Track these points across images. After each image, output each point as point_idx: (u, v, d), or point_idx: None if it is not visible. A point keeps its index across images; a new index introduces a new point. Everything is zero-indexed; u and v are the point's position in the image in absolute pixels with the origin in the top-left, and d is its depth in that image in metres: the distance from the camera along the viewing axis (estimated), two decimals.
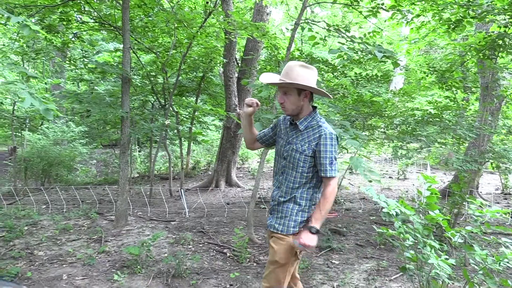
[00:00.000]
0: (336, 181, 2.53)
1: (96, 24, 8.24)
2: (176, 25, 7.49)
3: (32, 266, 4.73)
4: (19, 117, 11.11)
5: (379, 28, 6.85)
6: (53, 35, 7.93)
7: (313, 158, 2.54)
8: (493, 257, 2.53)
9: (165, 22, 7.65)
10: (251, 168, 15.10)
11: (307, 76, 2.50)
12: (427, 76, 6.77)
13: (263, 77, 2.68)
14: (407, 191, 10.29)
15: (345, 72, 6.51)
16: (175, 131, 10.42)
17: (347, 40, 4.89)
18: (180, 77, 10.43)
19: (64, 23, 7.77)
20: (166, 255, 5.13)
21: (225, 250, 5.45)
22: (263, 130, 2.96)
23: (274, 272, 2.64)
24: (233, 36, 8.47)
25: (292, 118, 2.68)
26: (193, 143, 13.77)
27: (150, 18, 8.03)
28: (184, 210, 7.66)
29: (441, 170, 15.64)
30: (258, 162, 14.97)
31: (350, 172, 14.37)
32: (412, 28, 7.63)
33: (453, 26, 5.54)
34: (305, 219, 2.59)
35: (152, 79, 9.67)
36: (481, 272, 2.42)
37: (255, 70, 9.34)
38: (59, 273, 4.54)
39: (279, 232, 2.62)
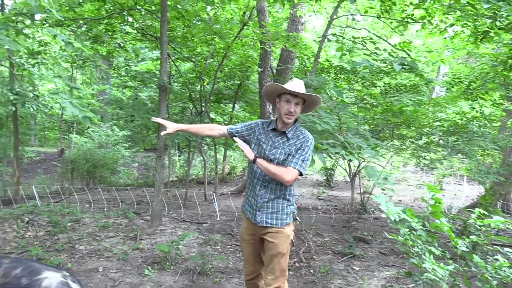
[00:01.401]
0: (294, 177, 2.80)
1: (139, 34, 8.76)
2: (212, 36, 7.85)
3: (72, 259, 5.16)
4: (67, 121, 11.88)
5: (408, 40, 6.90)
6: (99, 44, 8.52)
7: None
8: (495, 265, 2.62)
9: (202, 32, 8.02)
10: None
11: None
12: (452, 87, 6.74)
13: (294, 87, 2.88)
14: None
15: (374, 82, 6.61)
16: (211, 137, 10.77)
17: (371, 52, 5.03)
18: (218, 85, 10.83)
19: (109, 33, 8.33)
20: (194, 254, 5.43)
21: None
22: (236, 126, 3.16)
23: (279, 263, 2.91)
24: (267, 46, 8.74)
25: (275, 125, 3.01)
26: (230, 149, 14.13)
27: (189, 28, 8.43)
28: (216, 213, 7.97)
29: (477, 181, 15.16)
30: None
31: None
32: (445, 38, 7.61)
33: (480, 37, 5.54)
34: (292, 210, 3.02)
35: (190, 86, 10.10)
36: (479, 277, 2.52)
37: (288, 79, 9.57)
38: (96, 265, 4.94)
39: (276, 226, 2.93)
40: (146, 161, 16.31)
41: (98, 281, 4.48)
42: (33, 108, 9.22)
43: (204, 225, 7.26)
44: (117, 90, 17.65)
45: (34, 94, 8.80)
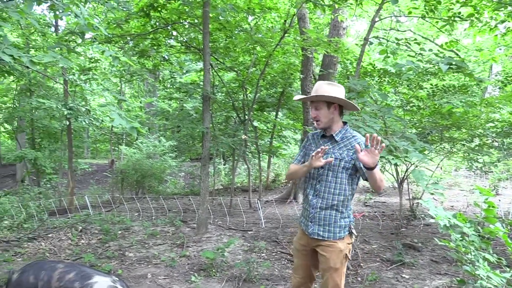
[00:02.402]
0: None
1: (183, 47, 9.01)
2: (253, 45, 7.94)
3: (122, 265, 5.33)
4: (116, 134, 12.36)
5: (455, 39, 6.63)
6: (145, 59, 8.84)
7: (351, 164, 2.75)
8: None
9: (244, 42, 8.14)
10: None
11: (334, 92, 2.77)
12: (505, 86, 6.38)
13: (296, 97, 3.02)
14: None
15: (420, 84, 6.41)
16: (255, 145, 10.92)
17: (416, 54, 4.88)
18: (260, 93, 10.91)
19: (155, 47, 8.63)
20: (239, 261, 5.45)
21: None
22: (298, 159, 3.08)
23: (331, 278, 2.79)
24: (309, 52, 8.72)
25: (324, 132, 2.90)
26: (274, 156, 14.15)
27: (231, 39, 8.58)
28: (260, 220, 7.97)
29: None
30: None
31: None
32: (496, 35, 7.26)
33: None
34: (348, 224, 2.82)
35: (233, 96, 10.23)
36: None
37: None
38: (145, 272, 5.07)
39: (328, 239, 2.80)
40: (192, 170, 16.62)
41: (146, 287, 4.60)
42: (85, 122, 9.67)
43: (249, 232, 7.28)
44: (163, 102, 18.22)
45: (86, 109, 9.25)
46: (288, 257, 5.73)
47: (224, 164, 17.66)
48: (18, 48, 3.20)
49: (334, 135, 2.84)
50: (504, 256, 4.92)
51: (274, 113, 12.76)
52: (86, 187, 15.05)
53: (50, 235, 6.91)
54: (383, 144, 2.44)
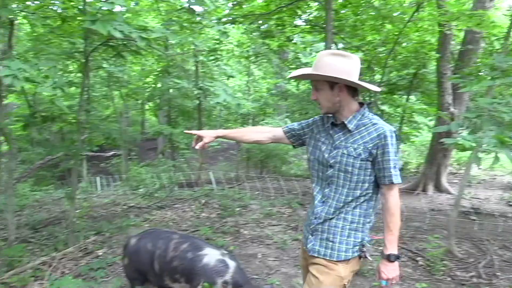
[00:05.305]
0: (398, 195, 2.11)
1: (307, 27, 8.81)
2: (382, 22, 7.38)
3: (236, 242, 5.47)
4: (243, 114, 12.78)
5: None
6: (270, 39, 8.87)
7: (370, 163, 2.08)
8: None
9: (372, 19, 7.61)
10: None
11: (340, 65, 2.02)
12: None
13: (293, 73, 2.25)
14: None
15: None
16: None
17: None
18: (389, 75, 10.17)
19: (279, 27, 8.58)
20: None
21: (417, 258, 5.12)
22: (292, 124, 2.46)
23: None
24: (447, 28, 7.76)
25: (334, 118, 2.19)
26: (404, 143, 13.24)
27: (358, 16, 8.10)
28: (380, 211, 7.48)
29: None
30: (479, 168, 13.27)
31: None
32: None
33: None
34: (360, 240, 2.13)
35: (359, 77, 9.71)
36: None
37: (471, 63, 8.33)
38: (256, 251, 5.12)
39: (324, 258, 2.12)
40: None
41: (255, 267, 4.62)
42: (213, 101, 10.16)
43: None
44: (290, 83, 18.31)
45: (214, 89, 9.70)
46: (409, 254, 5.24)
47: None
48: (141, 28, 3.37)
49: (346, 122, 2.12)
50: None
51: (405, 96, 11.82)
52: (215, 163, 15.97)
53: (176, 206, 7.47)
54: None
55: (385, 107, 11.58)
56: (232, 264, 3.02)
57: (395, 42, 8.08)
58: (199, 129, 11.46)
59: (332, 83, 2.05)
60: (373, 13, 7.63)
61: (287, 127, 2.44)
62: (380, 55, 9.15)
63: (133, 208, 7.56)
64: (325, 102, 2.12)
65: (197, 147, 2.37)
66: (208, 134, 2.36)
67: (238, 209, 7.22)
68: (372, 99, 8.86)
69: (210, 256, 3.07)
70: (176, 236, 3.39)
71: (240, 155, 13.20)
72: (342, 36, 8.71)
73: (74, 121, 5.45)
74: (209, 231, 5.64)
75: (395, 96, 11.82)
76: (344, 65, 2.02)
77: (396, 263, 2.12)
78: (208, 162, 13.73)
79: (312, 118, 2.40)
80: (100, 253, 5.17)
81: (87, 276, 4.47)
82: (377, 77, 9.81)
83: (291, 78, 2.33)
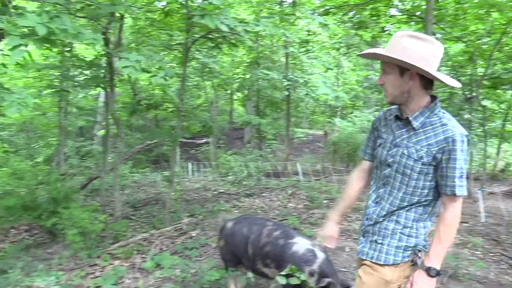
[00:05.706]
0: (460, 209, 1.85)
1: (404, 16, 8.43)
2: (489, 10, 6.83)
3: None
4: (331, 106, 12.65)
5: None
6: (364, 30, 8.63)
7: (432, 168, 1.84)
8: None
9: (477, 7, 7.07)
10: None
11: (417, 50, 1.74)
12: None
13: (364, 51, 1.96)
14: None
15: None
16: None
17: None
18: (494, 68, 9.38)
19: (374, 18, 8.31)
20: (447, 254, 4.92)
21: None
22: (365, 146, 2.22)
23: None
24: None
25: (399, 111, 1.94)
26: (509, 142, 12.23)
27: (461, 4, 7.57)
28: (480, 213, 6.99)
29: None
30: None
31: None
32: None
33: None
34: (412, 246, 1.92)
35: (459, 70, 9.11)
36: None
37: None
38: (344, 245, 5.11)
39: (371, 260, 1.97)
40: None
41: (343, 260, 4.63)
42: (302, 93, 10.19)
43: (464, 224, 6.47)
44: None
45: (304, 80, 9.71)
46: (511, 262, 4.86)
47: None
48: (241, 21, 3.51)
49: (411, 118, 1.86)
50: None
51: (511, 91, 10.82)
52: (300, 155, 16.00)
53: (263, 194, 7.66)
54: None
55: (487, 103, 10.73)
56: (320, 255, 3.05)
57: (502, 32, 7.44)
58: (288, 120, 11.60)
59: (403, 68, 1.80)
60: (477, 0, 7.08)
61: (365, 153, 2.22)
62: (484, 46, 8.49)
63: (223, 194, 7.91)
64: (391, 88, 1.87)
65: (332, 246, 2.36)
66: (334, 230, 2.32)
67: (325, 201, 7.21)
68: (474, 94, 8.25)
69: (300, 244, 3.13)
70: (270, 223, 3.52)
71: (327, 147, 13.08)
72: (441, 26, 8.19)
73: (172, 108, 5.82)
74: (297, 221, 5.73)
75: (499, 91, 10.89)
76: (423, 50, 1.75)
77: (434, 280, 1.84)
78: (293, 154, 13.81)
79: (372, 121, 2.19)
80: (194, 234, 5.50)
81: (182, 254, 4.81)
82: (480, 70, 9.10)
83: (360, 56, 2.12)
